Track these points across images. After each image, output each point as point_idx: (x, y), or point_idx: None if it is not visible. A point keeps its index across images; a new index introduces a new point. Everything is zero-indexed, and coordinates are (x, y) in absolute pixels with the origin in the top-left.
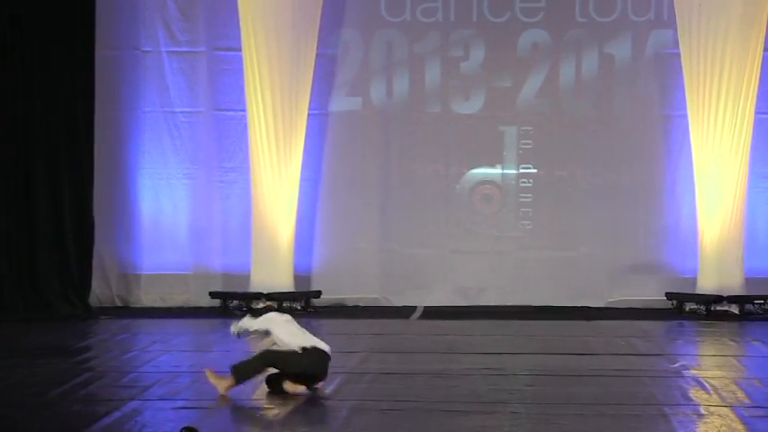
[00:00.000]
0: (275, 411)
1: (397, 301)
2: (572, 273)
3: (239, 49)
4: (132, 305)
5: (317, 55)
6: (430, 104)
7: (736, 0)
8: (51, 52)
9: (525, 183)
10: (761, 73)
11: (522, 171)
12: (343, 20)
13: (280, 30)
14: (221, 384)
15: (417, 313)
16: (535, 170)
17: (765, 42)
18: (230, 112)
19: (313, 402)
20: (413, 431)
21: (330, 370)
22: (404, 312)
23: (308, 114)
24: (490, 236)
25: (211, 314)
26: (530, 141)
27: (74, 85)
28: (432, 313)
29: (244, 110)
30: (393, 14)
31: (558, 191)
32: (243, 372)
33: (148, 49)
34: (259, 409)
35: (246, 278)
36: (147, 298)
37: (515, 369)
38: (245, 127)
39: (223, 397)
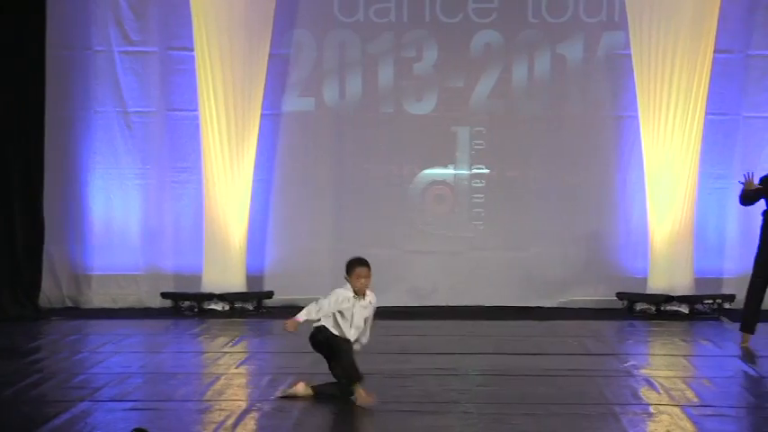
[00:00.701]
0: (226, 412)
1: None
2: (524, 273)
3: (192, 49)
4: (83, 306)
5: (269, 55)
6: (383, 105)
7: (687, 2)
8: (1, 51)
9: (478, 183)
10: (711, 74)
11: (474, 171)
12: (296, 20)
13: (232, 30)
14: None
15: None
16: (487, 170)
17: (715, 44)
18: (183, 113)
19: (264, 402)
20: (365, 431)
21: (281, 370)
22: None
23: (261, 115)
24: (443, 236)
25: (163, 315)
26: (482, 142)
27: (25, 85)
28: (384, 313)
29: (196, 110)
30: (346, 15)
31: (510, 191)
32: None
33: (100, 48)
34: (209, 409)
35: (198, 279)
36: (97, 299)
37: (467, 369)
38: (197, 127)
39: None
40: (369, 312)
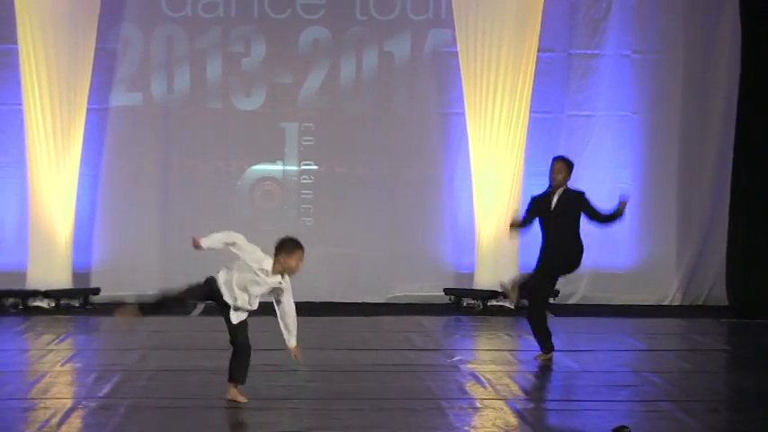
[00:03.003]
0: (51, 411)
1: None
2: (352, 269)
3: (16, 42)
4: None
5: (96, 49)
6: (211, 100)
7: (511, 1)
8: None
9: (306, 179)
10: (535, 73)
11: (303, 168)
12: (123, 14)
13: (57, 23)
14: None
15: (198, 310)
16: (316, 167)
17: (539, 43)
18: (7, 106)
19: (90, 400)
20: (192, 429)
21: (107, 368)
22: (184, 309)
23: (87, 109)
24: (271, 232)
25: None
26: (311, 138)
27: None
28: (212, 310)
29: (21, 104)
30: (174, 9)
31: (338, 188)
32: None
33: None
34: (33, 408)
35: (23, 275)
36: None
37: (295, 365)
38: (22, 121)
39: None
40: (268, 289)
